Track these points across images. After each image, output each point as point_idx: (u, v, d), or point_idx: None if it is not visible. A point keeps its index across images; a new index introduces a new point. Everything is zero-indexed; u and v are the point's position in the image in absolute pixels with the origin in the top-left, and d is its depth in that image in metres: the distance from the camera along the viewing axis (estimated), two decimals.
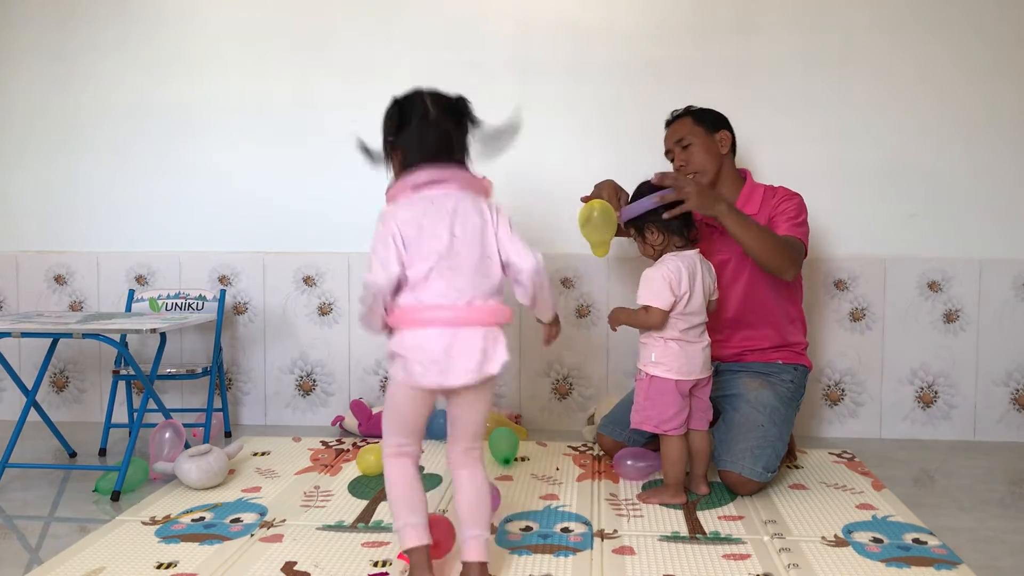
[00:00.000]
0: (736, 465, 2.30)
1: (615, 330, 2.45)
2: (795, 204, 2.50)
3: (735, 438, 2.34)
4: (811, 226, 2.99)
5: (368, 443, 2.85)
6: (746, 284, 2.51)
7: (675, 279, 2.22)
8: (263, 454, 2.78)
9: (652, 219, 2.27)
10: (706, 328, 2.32)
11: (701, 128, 2.55)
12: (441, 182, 1.72)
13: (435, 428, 2.94)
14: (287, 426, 3.19)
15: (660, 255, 2.29)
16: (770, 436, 2.34)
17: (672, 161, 2.59)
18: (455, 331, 1.66)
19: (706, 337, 2.31)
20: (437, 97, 1.77)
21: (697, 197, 2.23)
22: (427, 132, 1.74)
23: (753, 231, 2.30)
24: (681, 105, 2.70)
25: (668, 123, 2.64)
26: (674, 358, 2.24)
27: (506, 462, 2.62)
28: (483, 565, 1.73)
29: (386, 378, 3.19)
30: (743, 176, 2.61)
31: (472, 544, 1.73)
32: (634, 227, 2.32)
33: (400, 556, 1.91)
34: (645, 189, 2.32)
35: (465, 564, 1.73)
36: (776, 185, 2.59)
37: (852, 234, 3.01)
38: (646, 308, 2.24)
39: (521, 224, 3.08)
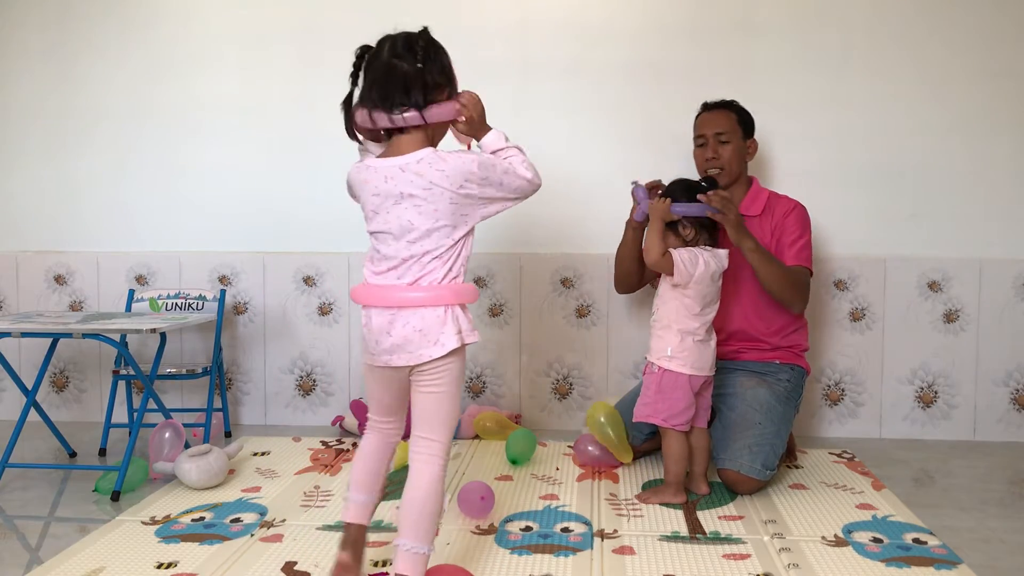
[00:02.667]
0: (734, 463, 2.30)
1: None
2: (799, 221, 2.53)
3: (732, 436, 2.34)
4: (812, 226, 2.98)
5: None
6: (752, 282, 2.50)
7: (690, 262, 2.25)
8: (263, 454, 2.78)
9: (688, 217, 2.30)
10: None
11: (741, 130, 2.58)
12: None
13: None
14: (287, 426, 3.19)
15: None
16: (767, 434, 2.34)
17: (701, 147, 2.59)
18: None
19: (714, 335, 2.34)
20: None
21: (735, 223, 2.28)
22: None
23: (772, 269, 2.38)
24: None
25: (708, 107, 2.63)
26: (690, 353, 2.26)
27: (514, 463, 2.62)
28: None
29: None
30: (750, 180, 2.65)
31: (399, 556, 1.61)
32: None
33: None
34: (676, 187, 2.34)
35: None
36: (780, 193, 2.62)
37: (852, 234, 3.01)
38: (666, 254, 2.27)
39: (520, 224, 3.14)
